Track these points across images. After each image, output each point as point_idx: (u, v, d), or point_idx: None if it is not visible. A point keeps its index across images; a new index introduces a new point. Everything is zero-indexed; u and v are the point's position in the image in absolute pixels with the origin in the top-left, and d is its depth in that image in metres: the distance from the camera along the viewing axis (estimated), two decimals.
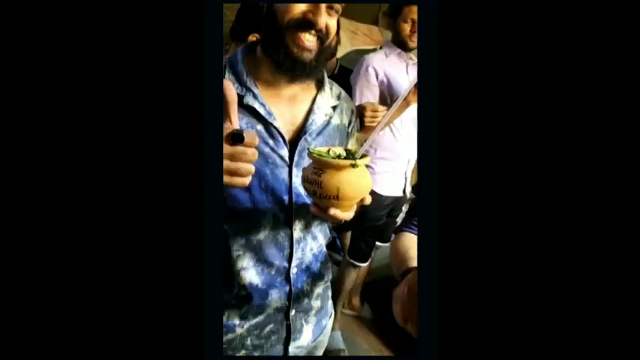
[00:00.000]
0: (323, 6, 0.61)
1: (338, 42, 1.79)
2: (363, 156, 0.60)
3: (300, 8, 0.61)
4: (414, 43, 1.44)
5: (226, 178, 0.50)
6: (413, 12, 1.37)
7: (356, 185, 0.57)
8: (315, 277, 0.79)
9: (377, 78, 1.43)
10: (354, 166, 0.56)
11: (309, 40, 0.63)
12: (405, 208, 1.72)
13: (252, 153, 0.50)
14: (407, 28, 1.41)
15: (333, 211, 0.57)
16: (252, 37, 1.08)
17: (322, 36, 0.64)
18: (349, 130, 0.80)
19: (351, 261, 1.72)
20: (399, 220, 1.70)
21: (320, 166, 0.57)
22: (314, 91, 0.74)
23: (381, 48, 2.95)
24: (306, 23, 0.61)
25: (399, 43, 1.47)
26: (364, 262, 1.72)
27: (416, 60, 1.47)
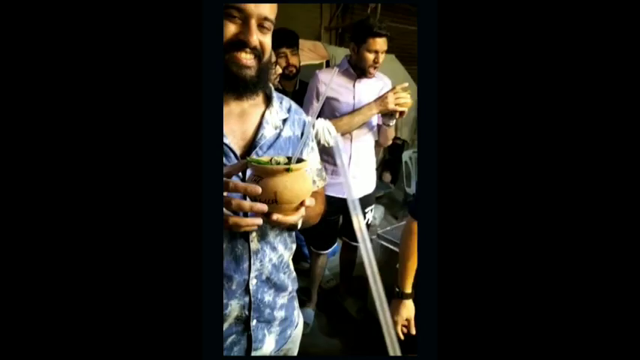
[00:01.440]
0: (253, 25, 0.64)
1: (299, 61, 1.89)
2: (299, 161, 0.63)
3: (231, 30, 0.64)
4: (372, 74, 1.60)
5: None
6: (377, 44, 1.52)
7: (292, 189, 0.59)
8: (278, 288, 0.81)
9: (319, 93, 1.63)
10: (288, 170, 0.59)
11: (246, 58, 0.66)
12: (369, 209, 1.86)
13: (235, 204, 0.56)
14: (370, 58, 1.55)
15: (275, 216, 0.59)
16: None
17: (258, 53, 0.67)
18: (303, 141, 0.86)
19: (312, 249, 1.97)
20: (368, 216, 1.88)
21: (258, 172, 0.60)
22: (263, 107, 0.77)
23: (327, 62, 3.13)
24: (240, 43, 0.64)
25: (357, 67, 1.63)
26: (324, 250, 1.95)
27: (359, 78, 1.66)
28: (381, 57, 1.57)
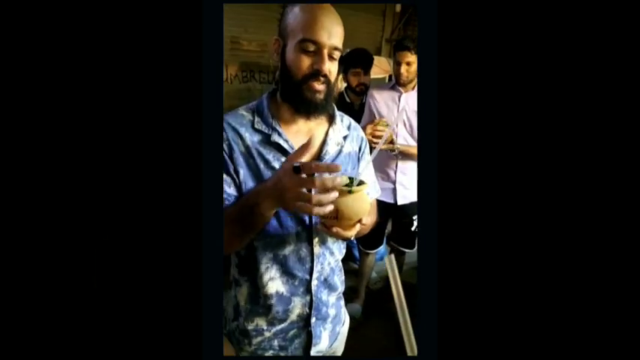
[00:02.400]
0: (325, 55, 0.72)
1: (369, 80, 2.08)
2: (360, 183, 0.68)
3: (307, 62, 0.73)
4: (403, 82, 1.78)
5: (295, 203, 0.60)
6: (402, 56, 1.72)
7: (352, 208, 0.66)
8: (331, 288, 0.90)
9: (371, 105, 1.86)
10: (350, 192, 0.66)
11: (319, 84, 0.74)
12: (416, 217, 1.95)
13: (319, 183, 0.59)
14: (397, 69, 1.75)
15: (335, 229, 0.68)
16: None
17: (327, 80, 0.76)
18: (360, 156, 0.91)
19: (361, 248, 2.12)
20: (416, 224, 1.95)
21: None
22: (326, 125, 0.86)
23: (390, 77, 3.27)
24: (316, 73, 0.73)
25: (396, 78, 1.81)
26: (372, 249, 2.10)
27: (405, 91, 1.82)
28: (407, 68, 1.73)
